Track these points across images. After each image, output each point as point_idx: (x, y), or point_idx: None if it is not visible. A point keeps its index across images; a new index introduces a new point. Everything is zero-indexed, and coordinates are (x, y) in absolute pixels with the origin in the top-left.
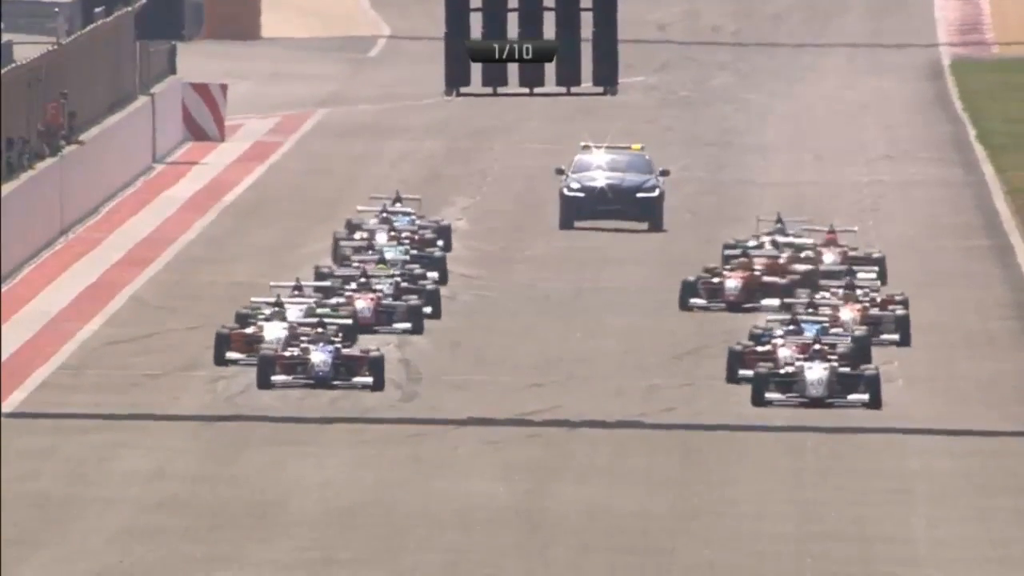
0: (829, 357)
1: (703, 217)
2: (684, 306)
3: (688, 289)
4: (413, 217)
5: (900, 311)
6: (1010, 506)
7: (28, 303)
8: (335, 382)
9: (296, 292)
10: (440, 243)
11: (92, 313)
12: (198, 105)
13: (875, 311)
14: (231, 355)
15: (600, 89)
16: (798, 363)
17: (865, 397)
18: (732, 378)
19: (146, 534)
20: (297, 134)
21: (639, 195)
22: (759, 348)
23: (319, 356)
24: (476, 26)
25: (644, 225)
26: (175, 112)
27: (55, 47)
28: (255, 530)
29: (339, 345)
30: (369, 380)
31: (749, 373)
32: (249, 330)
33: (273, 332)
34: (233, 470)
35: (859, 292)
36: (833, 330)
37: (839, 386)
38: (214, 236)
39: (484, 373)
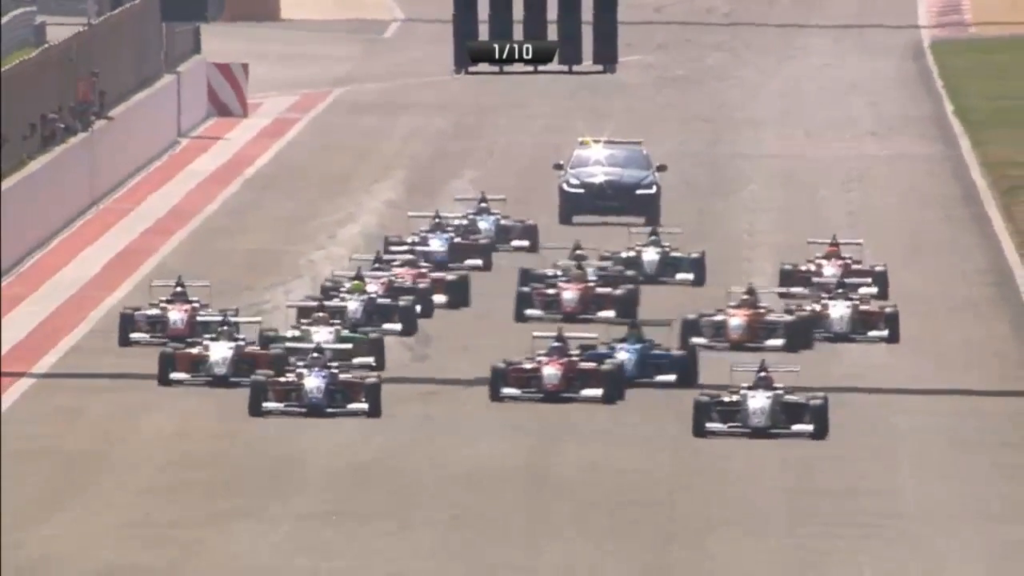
0: (774, 386)
1: (697, 189)
2: (520, 318)
3: (523, 300)
4: (497, 217)
5: (789, 318)
6: (990, 462)
7: (60, 271)
8: (329, 409)
9: (320, 313)
10: (527, 243)
11: (120, 280)
12: (221, 83)
13: (773, 317)
14: (176, 375)
15: (600, 67)
16: (742, 391)
17: (810, 428)
18: (496, 396)
19: (169, 490)
20: (314, 111)
21: (638, 192)
22: (526, 366)
23: (313, 382)
24: (483, 8)
25: (641, 220)
26: (199, 90)
27: (86, 28)
28: (272, 486)
29: (334, 371)
30: (365, 407)
31: (515, 392)
32: (195, 350)
33: (219, 352)
34: (252, 429)
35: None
36: (655, 351)
37: (783, 415)
38: (235, 207)
39: (491, 336)
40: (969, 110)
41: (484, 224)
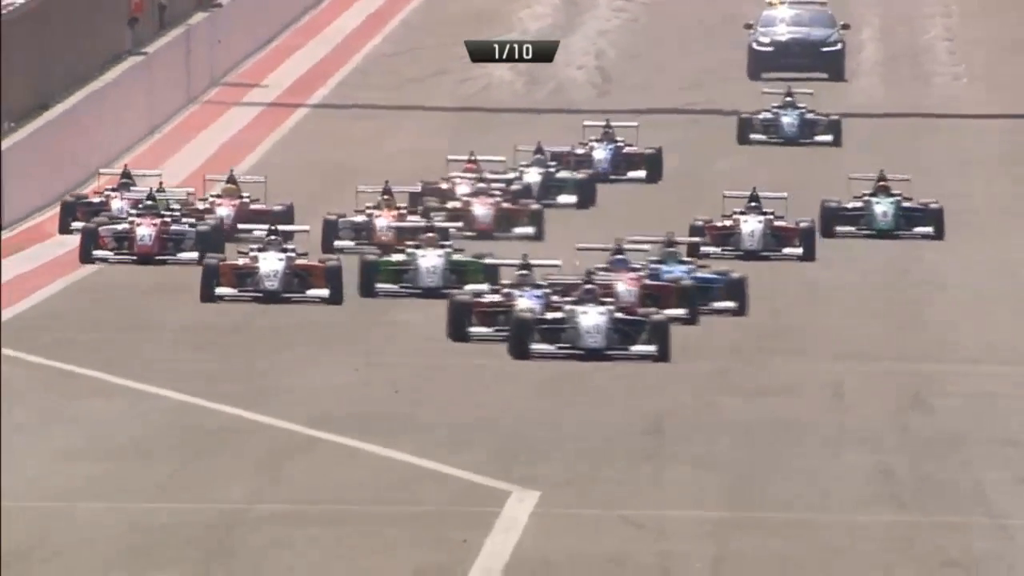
0: (603, 300)
1: None
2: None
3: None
4: (803, 110)
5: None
6: None
7: (329, 24)
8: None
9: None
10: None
11: (374, 32)
12: None
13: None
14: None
15: None
16: (568, 307)
17: (652, 348)
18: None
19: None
20: None
21: (823, 49)
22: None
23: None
24: None
25: (825, 75)
26: None
27: None
28: None
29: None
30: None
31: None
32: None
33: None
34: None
35: None
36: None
37: (617, 334)
38: None
39: None
40: None
41: (788, 119)
